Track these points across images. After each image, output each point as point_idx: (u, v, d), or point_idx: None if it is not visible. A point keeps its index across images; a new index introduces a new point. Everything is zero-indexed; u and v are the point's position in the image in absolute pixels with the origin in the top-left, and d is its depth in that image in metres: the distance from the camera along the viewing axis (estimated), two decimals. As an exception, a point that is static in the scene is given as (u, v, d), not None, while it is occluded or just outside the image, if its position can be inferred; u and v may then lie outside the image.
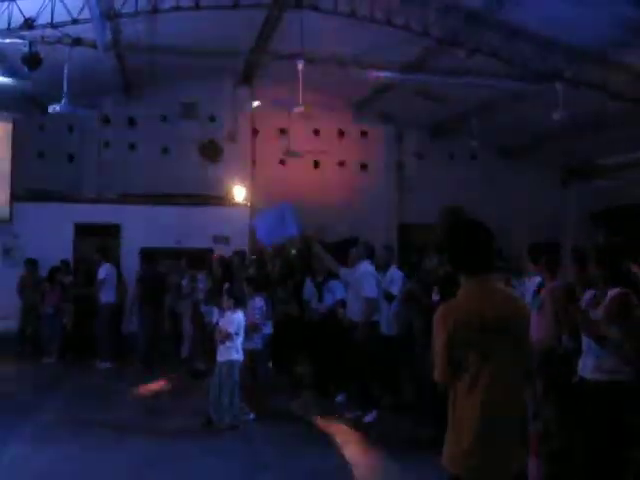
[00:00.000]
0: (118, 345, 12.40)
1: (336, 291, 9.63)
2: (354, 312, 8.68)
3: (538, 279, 6.66)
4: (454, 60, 12.76)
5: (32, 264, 13.43)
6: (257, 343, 8.57)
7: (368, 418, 8.35)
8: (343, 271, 9.05)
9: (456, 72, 13.06)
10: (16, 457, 6.92)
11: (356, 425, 8.25)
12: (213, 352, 8.54)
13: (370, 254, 8.90)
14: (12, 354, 12.89)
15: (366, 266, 8.70)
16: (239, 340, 7.89)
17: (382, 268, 9.00)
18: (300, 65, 12.19)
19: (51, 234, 14.00)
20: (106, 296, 12.21)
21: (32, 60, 11.56)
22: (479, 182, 17.80)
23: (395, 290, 8.87)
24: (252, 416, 8.37)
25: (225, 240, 14.28)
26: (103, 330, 12.20)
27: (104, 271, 12.29)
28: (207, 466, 6.71)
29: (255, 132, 17.37)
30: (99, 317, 12.32)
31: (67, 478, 6.28)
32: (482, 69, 12.82)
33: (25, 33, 11.53)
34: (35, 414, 8.55)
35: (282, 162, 17.32)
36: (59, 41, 11.91)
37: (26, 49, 11.60)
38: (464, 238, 3.56)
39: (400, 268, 9.41)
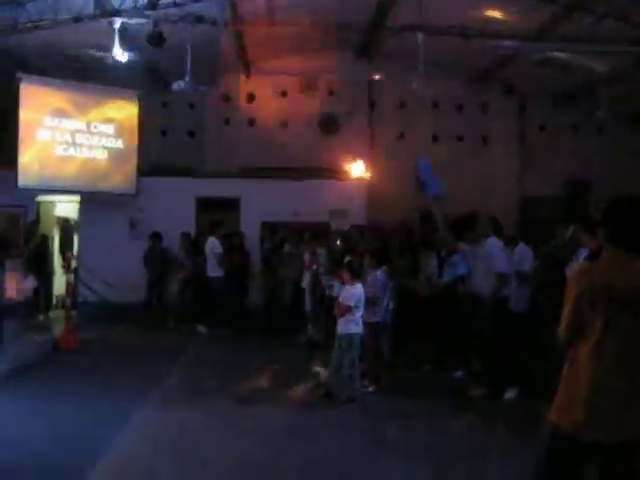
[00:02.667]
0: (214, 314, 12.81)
1: (457, 266, 9.44)
2: (482, 287, 8.46)
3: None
4: (581, 27, 12.18)
5: (156, 237, 13.93)
6: (378, 317, 8.52)
7: (508, 395, 8.10)
8: (463, 246, 8.97)
9: (583, 39, 12.46)
10: (145, 420, 7.23)
11: (481, 402, 8.11)
12: (332, 325, 8.61)
13: (497, 230, 8.66)
14: (139, 323, 13.48)
15: (494, 241, 8.51)
16: (359, 313, 7.87)
17: (510, 244, 8.78)
18: (420, 37, 11.95)
19: (174, 208, 14.41)
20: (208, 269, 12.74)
21: (156, 38, 11.89)
22: (606, 154, 17.01)
23: (527, 267, 8.66)
24: (372, 389, 8.36)
25: (343, 214, 14.27)
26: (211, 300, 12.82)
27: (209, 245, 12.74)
28: (326, 437, 6.73)
29: (373, 105, 17.23)
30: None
31: (187, 444, 6.44)
32: (611, 35, 12.17)
33: (150, 12, 11.86)
34: (163, 380, 8.90)
35: (400, 135, 17.16)
36: (182, 19, 12.17)
37: (150, 28, 11.94)
38: (626, 213, 3.58)
39: (527, 243, 9.13)
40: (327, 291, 11.03)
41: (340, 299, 7.96)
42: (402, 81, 14.95)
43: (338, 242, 11.76)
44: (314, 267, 11.44)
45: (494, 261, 8.30)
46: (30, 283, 13.71)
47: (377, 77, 16.36)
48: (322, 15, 13.21)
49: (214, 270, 12.70)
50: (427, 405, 8.02)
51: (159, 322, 13.46)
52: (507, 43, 12.73)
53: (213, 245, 12.72)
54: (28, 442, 6.33)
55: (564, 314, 3.57)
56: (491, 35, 12.65)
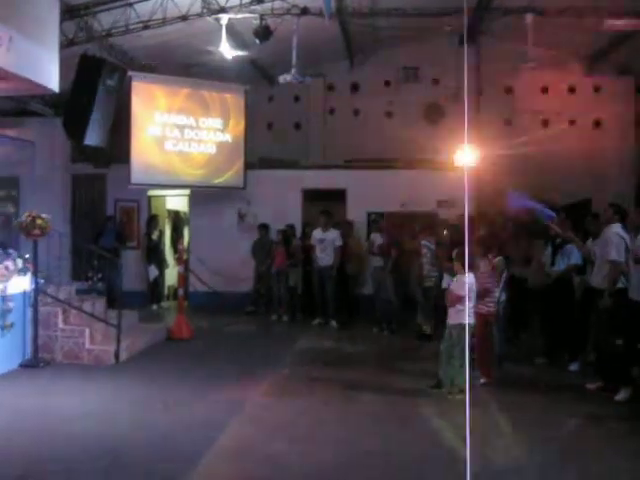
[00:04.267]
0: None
1: (571, 256, 9.12)
2: (597, 279, 8.06)
3: None
4: None
5: (264, 228, 14.15)
6: (490, 307, 8.34)
7: (620, 396, 7.63)
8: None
9: None
10: (257, 406, 7.39)
11: (598, 396, 7.82)
12: (441, 315, 8.50)
13: (622, 216, 8.15)
14: (249, 313, 13.75)
15: (614, 228, 7.97)
16: (470, 304, 7.73)
17: (635, 231, 8.32)
18: (529, 18, 11.60)
19: (281, 200, 14.64)
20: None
21: (263, 33, 12.02)
22: None
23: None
24: (483, 381, 8.21)
25: (449, 204, 14.06)
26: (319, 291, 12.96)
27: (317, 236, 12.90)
28: (437, 428, 6.65)
29: (479, 92, 16.85)
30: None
31: (301, 430, 6.55)
32: None
33: (256, 7, 12.01)
34: (272, 368, 9.06)
35: (508, 122, 16.72)
36: (287, 12, 12.26)
37: (257, 22, 12.08)
38: None
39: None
40: (426, 282, 11.00)
41: (451, 289, 7.85)
42: (509, 65, 14.64)
43: (445, 232, 11.59)
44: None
45: (609, 249, 7.84)
46: (153, 273, 14.30)
47: (482, 62, 16.01)
48: (426, 2, 13.01)
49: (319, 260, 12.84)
50: (540, 398, 7.82)
51: (267, 311, 13.67)
52: (621, 21, 12.17)
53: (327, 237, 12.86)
54: (146, 426, 6.57)
55: None
56: (604, 13, 12.13)
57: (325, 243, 12.75)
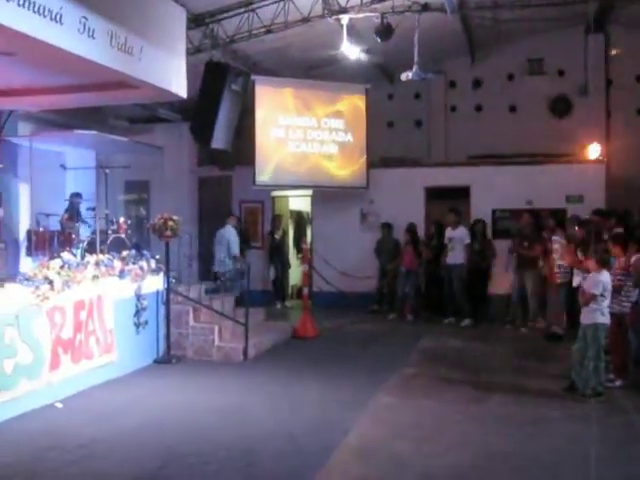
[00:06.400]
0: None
1: None
2: None
3: None
4: None
5: (387, 227, 14.12)
6: (624, 306, 7.97)
7: None
8: None
9: None
10: (383, 406, 7.37)
11: None
12: (573, 315, 8.20)
13: None
14: (373, 312, 13.75)
15: None
16: (605, 302, 7.41)
17: None
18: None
19: (403, 198, 14.53)
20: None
21: (384, 31, 11.99)
22: None
23: None
24: (619, 383, 7.86)
25: (579, 199, 13.54)
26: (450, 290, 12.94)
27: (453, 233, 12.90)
28: (570, 432, 6.42)
29: (609, 83, 16.11)
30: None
31: (427, 431, 6.46)
32: None
33: (376, 6, 11.99)
34: (399, 367, 9.02)
35: (641, 112, 15.92)
36: (408, 9, 12.16)
37: (378, 21, 12.04)
38: None
39: None
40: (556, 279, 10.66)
41: (585, 287, 7.54)
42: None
43: (576, 228, 11.18)
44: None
45: None
46: (273, 272, 14.59)
47: (614, 52, 15.30)
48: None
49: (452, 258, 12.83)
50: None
51: (391, 310, 13.61)
52: None
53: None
54: (275, 424, 6.68)
55: None
56: None
57: (454, 241, 12.71)
